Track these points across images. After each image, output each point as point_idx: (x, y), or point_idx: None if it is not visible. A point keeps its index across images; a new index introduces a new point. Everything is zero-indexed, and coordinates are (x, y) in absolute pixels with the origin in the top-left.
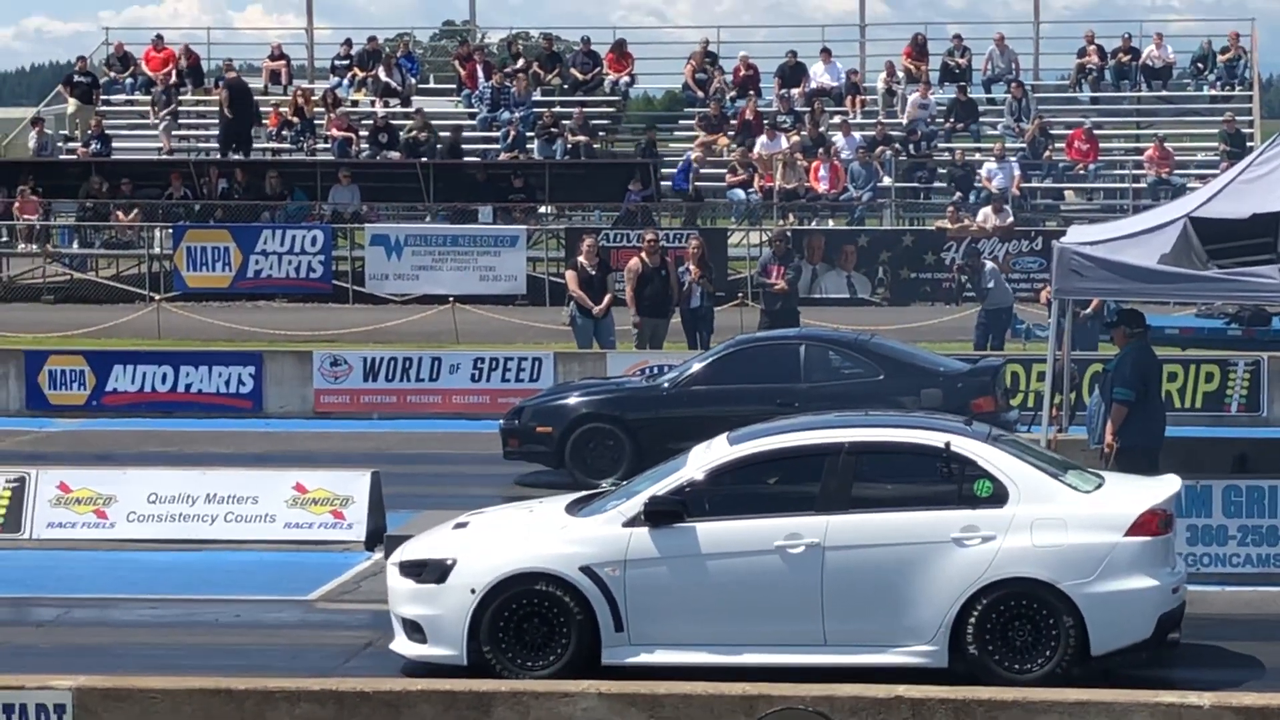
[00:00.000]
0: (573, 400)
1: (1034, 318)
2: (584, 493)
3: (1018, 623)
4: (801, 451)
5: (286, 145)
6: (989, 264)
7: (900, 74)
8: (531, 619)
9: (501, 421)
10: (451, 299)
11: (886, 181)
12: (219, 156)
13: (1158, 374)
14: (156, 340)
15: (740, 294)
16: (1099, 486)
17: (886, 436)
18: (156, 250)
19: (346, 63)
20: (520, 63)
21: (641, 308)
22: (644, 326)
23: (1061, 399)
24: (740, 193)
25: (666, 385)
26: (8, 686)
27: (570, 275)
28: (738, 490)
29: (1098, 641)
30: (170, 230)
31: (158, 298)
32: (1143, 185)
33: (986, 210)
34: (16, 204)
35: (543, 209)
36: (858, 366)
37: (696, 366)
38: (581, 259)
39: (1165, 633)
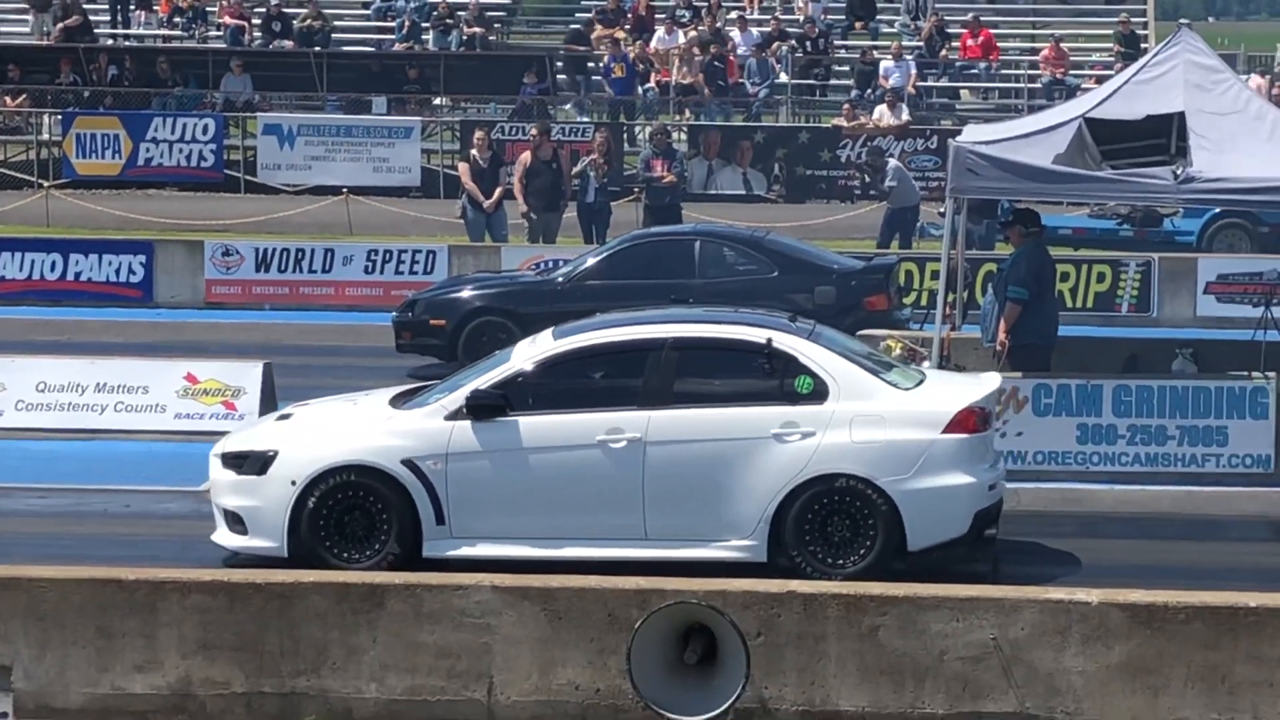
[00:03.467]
0: (466, 293)
1: (928, 217)
2: (409, 386)
3: (836, 518)
4: (625, 346)
5: (178, 32)
6: (893, 162)
7: None
8: (352, 511)
9: (394, 314)
10: (345, 190)
11: (783, 78)
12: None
13: (1051, 274)
14: (45, 228)
15: (635, 189)
16: (919, 384)
17: (708, 332)
18: (45, 137)
19: None
20: None
21: (531, 201)
22: (535, 220)
23: (955, 297)
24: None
25: (561, 279)
26: None
27: (463, 168)
28: (561, 385)
29: (915, 537)
30: (59, 117)
31: (47, 185)
32: (1038, 85)
33: (882, 108)
34: None
35: (437, 101)
36: (752, 263)
37: (591, 261)
38: (474, 152)
39: (982, 529)
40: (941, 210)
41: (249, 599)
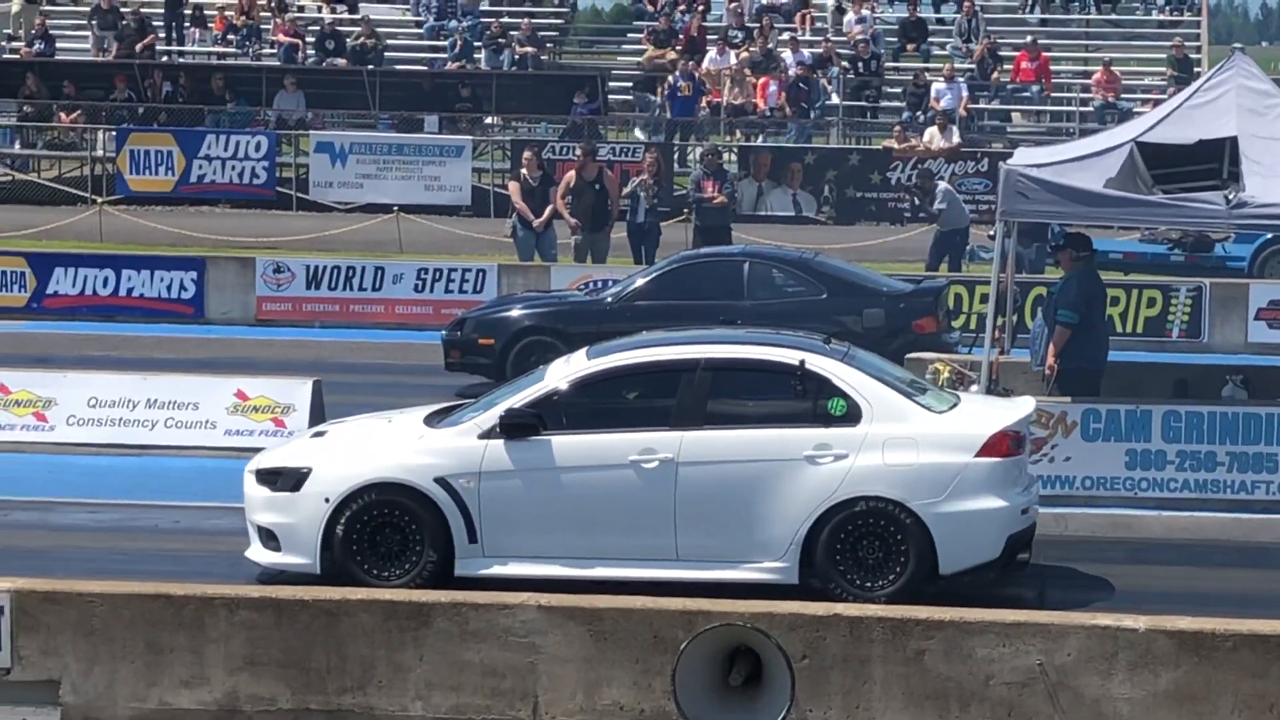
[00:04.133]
0: (515, 313)
1: (978, 239)
2: (444, 404)
3: (868, 540)
4: (658, 367)
5: (232, 50)
6: (942, 185)
7: None
8: (385, 529)
9: (444, 332)
10: (396, 208)
11: (834, 99)
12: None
13: (1102, 298)
14: (98, 243)
15: (685, 210)
16: (953, 407)
17: (742, 354)
18: (99, 153)
19: None
20: None
21: (576, 220)
22: (580, 239)
23: (1004, 321)
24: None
25: (609, 300)
26: None
27: (513, 187)
28: (594, 404)
29: (946, 561)
30: (113, 133)
31: (100, 200)
32: (1090, 109)
33: (933, 130)
34: None
35: (489, 120)
36: (801, 285)
37: (640, 281)
38: (524, 171)
39: (1014, 553)
40: (991, 233)
41: (296, 615)
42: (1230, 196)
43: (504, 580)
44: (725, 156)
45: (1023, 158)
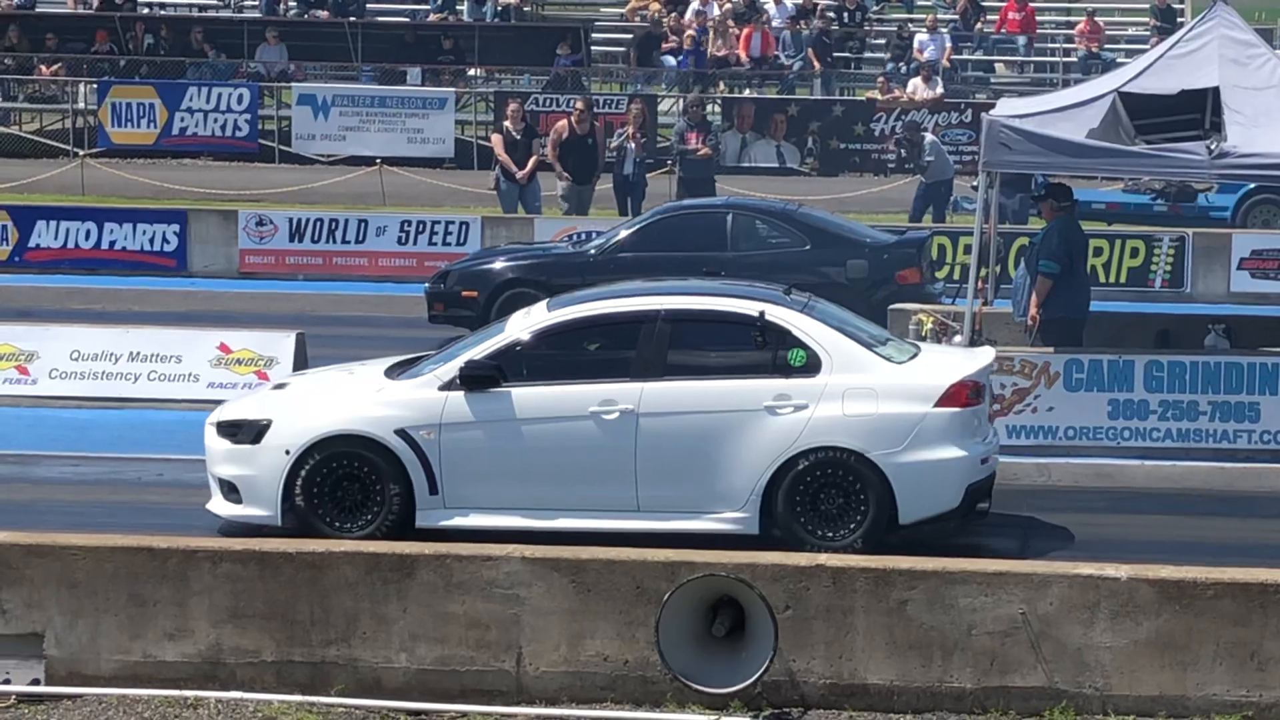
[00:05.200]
0: (499, 265)
1: (961, 190)
2: (405, 356)
3: (827, 491)
4: (618, 318)
5: (214, 2)
6: (929, 136)
7: None
8: (346, 481)
9: (427, 285)
10: (379, 161)
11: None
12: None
13: (1083, 248)
14: (80, 196)
15: (669, 161)
16: (913, 357)
17: (702, 305)
18: (81, 105)
19: None
20: None
21: (566, 173)
22: (568, 192)
23: (987, 271)
24: (671, 59)
25: (593, 252)
26: None
27: (496, 139)
28: (554, 356)
29: (906, 510)
30: (95, 86)
31: (82, 153)
32: (1073, 59)
33: (916, 81)
34: None
35: (471, 72)
36: (784, 236)
37: (623, 233)
38: (507, 123)
39: (974, 502)
40: (975, 184)
41: (280, 568)
42: (1212, 147)
43: (465, 531)
44: (709, 108)
45: (1006, 108)
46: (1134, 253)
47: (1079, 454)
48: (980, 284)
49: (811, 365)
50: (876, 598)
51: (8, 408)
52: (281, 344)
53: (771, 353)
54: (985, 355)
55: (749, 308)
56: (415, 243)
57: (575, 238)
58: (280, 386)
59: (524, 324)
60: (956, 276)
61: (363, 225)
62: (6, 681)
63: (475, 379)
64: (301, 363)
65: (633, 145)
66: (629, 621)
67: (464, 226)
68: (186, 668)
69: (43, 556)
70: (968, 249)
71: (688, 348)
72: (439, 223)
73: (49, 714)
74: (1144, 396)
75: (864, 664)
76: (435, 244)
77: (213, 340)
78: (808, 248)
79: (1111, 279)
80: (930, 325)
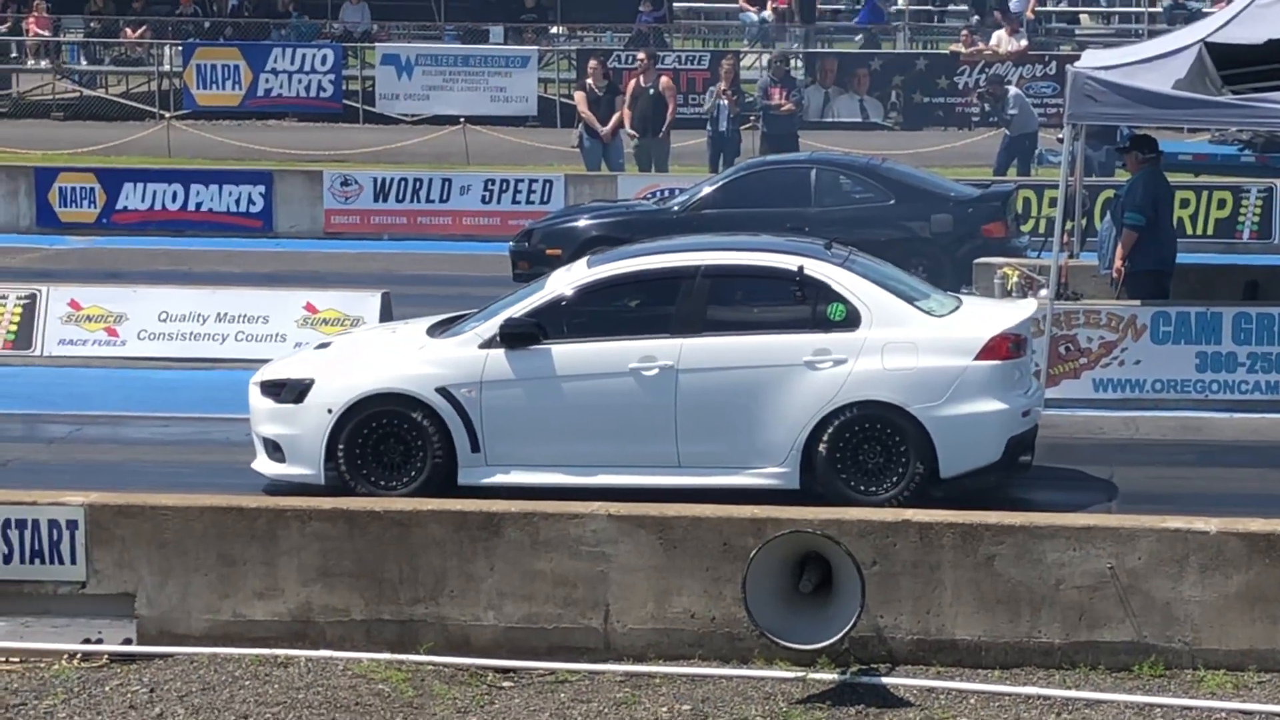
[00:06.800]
0: (582, 223)
1: (1046, 143)
2: (448, 315)
3: (868, 445)
4: (657, 275)
5: None
6: (1013, 89)
7: None
8: (388, 439)
9: (511, 243)
10: (462, 120)
11: (900, 4)
12: None
13: (1169, 200)
14: (167, 158)
15: (751, 117)
16: (954, 311)
17: (741, 260)
18: (166, 68)
19: None
20: None
21: (632, 126)
22: (639, 145)
23: (1073, 225)
24: (752, 14)
25: (676, 209)
26: (20, 502)
27: (579, 97)
28: (594, 313)
29: (947, 464)
30: (180, 48)
31: (168, 115)
32: (1159, 10)
33: (1000, 34)
34: (29, 19)
35: (554, 29)
36: (869, 191)
37: (707, 190)
38: (589, 81)
39: (1016, 455)
40: (1060, 137)
41: (368, 527)
42: None
43: (507, 488)
44: (792, 63)
45: (1091, 60)
46: (1221, 204)
47: (1166, 407)
48: (1066, 237)
49: (851, 320)
50: (964, 552)
51: (97, 369)
52: (367, 303)
53: (811, 307)
54: (1027, 307)
55: (788, 262)
56: (499, 201)
57: (659, 194)
58: (323, 346)
59: (564, 281)
60: (1042, 230)
61: (447, 184)
62: (99, 641)
63: (515, 336)
64: (387, 321)
65: (725, 102)
66: (715, 578)
67: (548, 185)
68: (276, 626)
69: (132, 517)
70: (1053, 202)
71: (727, 303)
72: (522, 181)
73: (141, 673)
74: (1232, 349)
75: (951, 619)
76: (519, 202)
77: (299, 300)
78: (892, 203)
79: (1198, 231)
80: (1016, 279)
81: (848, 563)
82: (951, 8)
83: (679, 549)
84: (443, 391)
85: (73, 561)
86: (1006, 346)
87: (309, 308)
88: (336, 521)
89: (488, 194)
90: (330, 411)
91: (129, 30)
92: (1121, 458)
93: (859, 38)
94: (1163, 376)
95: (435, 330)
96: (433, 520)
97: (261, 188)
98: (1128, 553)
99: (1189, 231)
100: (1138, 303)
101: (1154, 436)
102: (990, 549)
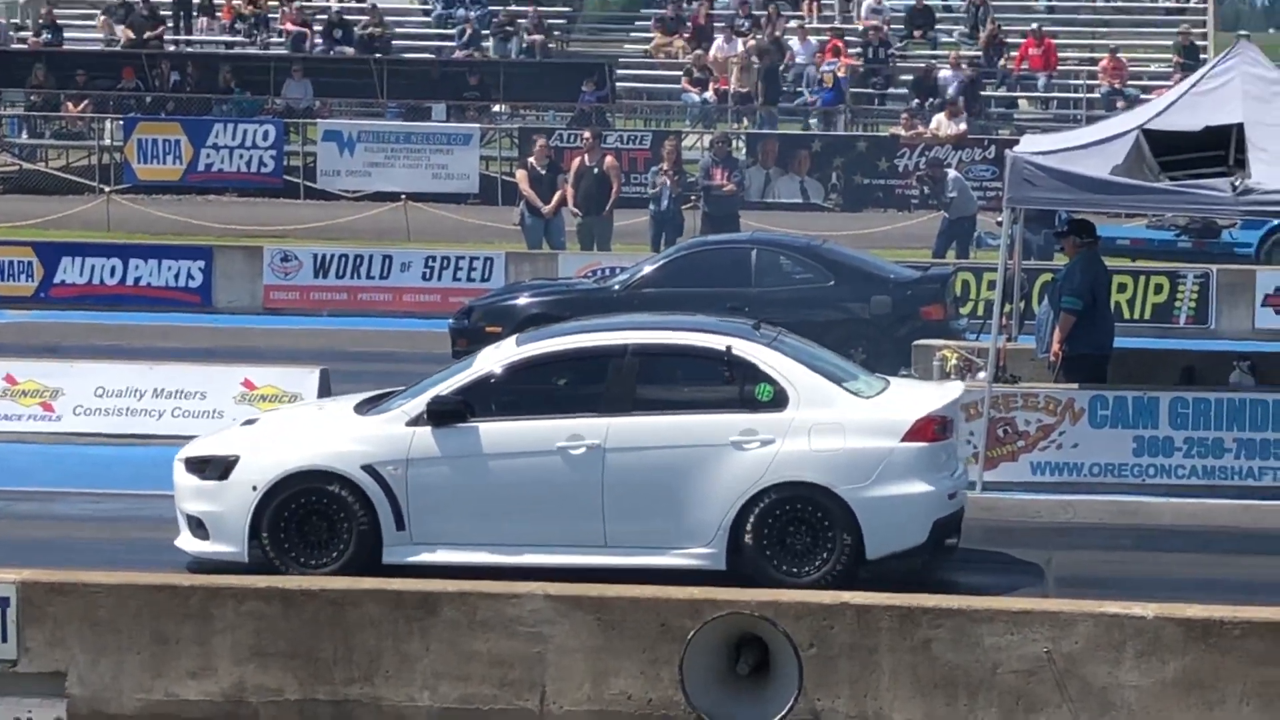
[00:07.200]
0: (523, 300)
1: (985, 226)
2: (375, 392)
3: (795, 526)
4: (585, 353)
5: (240, 39)
6: (952, 172)
7: None
8: (313, 517)
9: (451, 320)
10: (404, 196)
11: (827, 85)
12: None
13: (1106, 284)
14: (106, 232)
15: (692, 197)
16: (881, 392)
17: (669, 339)
18: (107, 142)
19: None
20: None
21: (575, 205)
22: (581, 224)
23: (1011, 308)
24: (694, 96)
25: (617, 287)
26: None
27: (521, 175)
28: (523, 391)
29: (873, 545)
30: (121, 122)
31: (108, 190)
32: (1097, 96)
33: (940, 117)
34: None
35: (497, 108)
36: (809, 271)
37: (647, 269)
38: (532, 159)
39: (942, 538)
40: (999, 220)
41: (303, 606)
42: (1237, 183)
43: (432, 567)
44: (734, 144)
45: (1029, 145)
46: (1158, 289)
47: (1104, 491)
48: (1004, 320)
49: (778, 400)
50: (901, 635)
51: (32, 444)
52: (306, 380)
53: (738, 387)
54: (954, 390)
55: (716, 342)
56: (440, 278)
57: (599, 273)
58: (250, 422)
59: (493, 359)
60: (980, 312)
61: (387, 261)
62: None
63: (442, 414)
64: (326, 398)
65: (668, 182)
66: (653, 660)
67: (488, 262)
68: (209, 706)
69: (66, 594)
70: (991, 285)
71: (655, 382)
72: (463, 258)
73: None
74: (1169, 433)
75: (889, 703)
76: (460, 279)
77: (237, 376)
78: (832, 283)
79: (1136, 315)
80: (954, 361)
81: (785, 645)
82: (892, 91)
83: (616, 630)
84: (368, 469)
85: (3, 639)
86: (933, 429)
87: (247, 384)
88: (271, 600)
89: (428, 271)
90: (255, 489)
91: (70, 104)
92: (1059, 541)
93: (814, 120)
94: (1100, 460)
95: (362, 407)
96: (369, 599)
97: (201, 263)
98: (1065, 637)
99: (1126, 316)
100: (1075, 386)
101: (1091, 520)
102: (928, 632)
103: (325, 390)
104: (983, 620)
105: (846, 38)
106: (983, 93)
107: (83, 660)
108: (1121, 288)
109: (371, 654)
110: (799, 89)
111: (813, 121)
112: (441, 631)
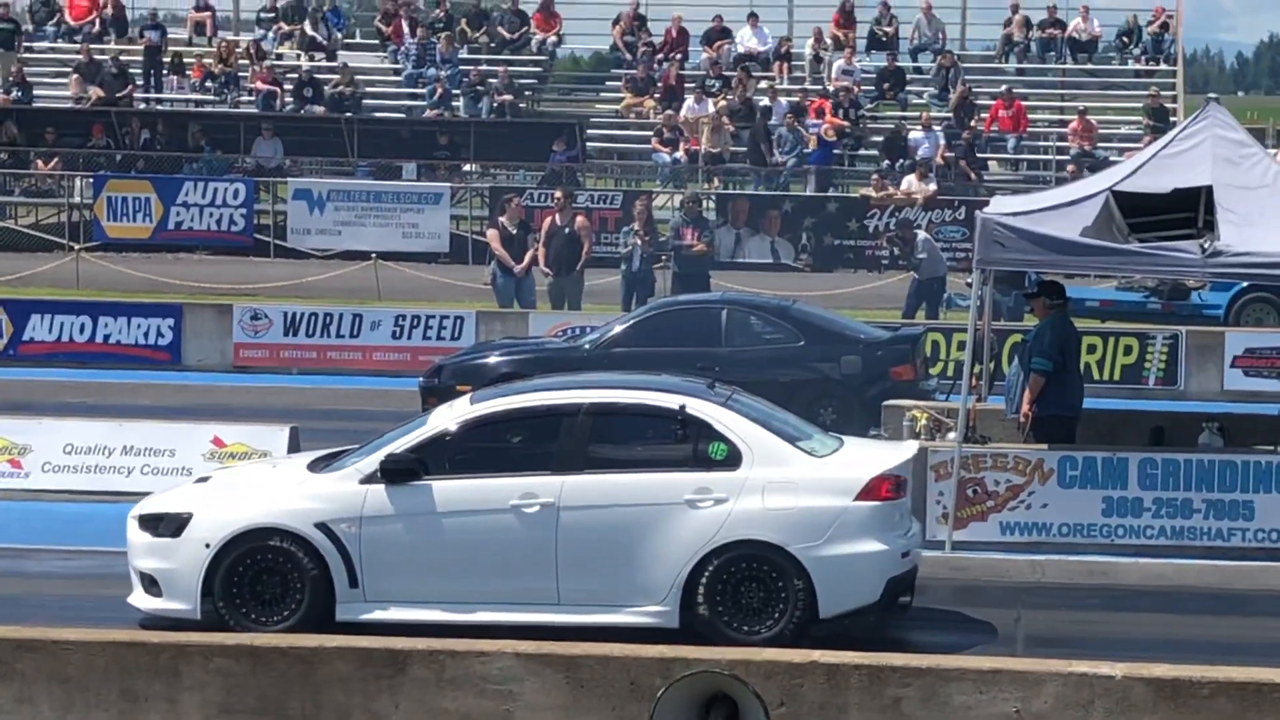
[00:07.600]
0: (493, 359)
1: (955, 287)
2: (329, 450)
3: (748, 584)
4: (540, 412)
5: (210, 97)
6: (921, 233)
7: (828, 40)
8: (266, 574)
9: (421, 379)
10: (374, 255)
11: (812, 147)
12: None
13: (1076, 345)
14: (75, 290)
15: (662, 256)
16: (835, 450)
17: (623, 398)
18: (77, 199)
19: (272, 15)
20: (446, 20)
21: (547, 264)
22: (552, 283)
23: (981, 369)
24: (665, 155)
25: (587, 347)
26: None
27: (492, 234)
28: (476, 449)
29: (826, 604)
30: (91, 180)
31: (77, 247)
32: (1066, 157)
33: (911, 178)
34: None
35: (467, 167)
36: (779, 332)
37: (618, 329)
38: (503, 219)
39: (895, 596)
40: (968, 281)
41: (272, 663)
42: (1206, 245)
43: (385, 625)
44: (704, 204)
45: (999, 206)
46: (1127, 350)
47: (1073, 551)
48: (974, 381)
49: (732, 459)
50: (870, 694)
51: (1, 501)
52: (275, 438)
53: (692, 446)
54: (908, 449)
55: (670, 401)
56: (410, 337)
57: (570, 332)
58: (203, 480)
59: (447, 417)
60: (950, 373)
61: (357, 319)
62: None
63: (396, 472)
64: None
65: (639, 242)
66: (622, 718)
67: (459, 321)
68: None
69: (34, 651)
70: (961, 346)
71: (609, 441)
72: (433, 317)
73: None
74: (1138, 494)
75: None
76: (430, 338)
77: (206, 434)
78: (802, 344)
79: (1105, 376)
80: (924, 422)
81: (755, 704)
82: (863, 152)
83: (585, 688)
84: (322, 527)
85: None
86: (886, 487)
87: (216, 441)
88: (240, 658)
89: (398, 329)
90: (208, 546)
91: (40, 162)
92: (1028, 601)
93: (795, 180)
94: (1069, 520)
95: (316, 465)
96: (338, 657)
97: (171, 320)
98: (1033, 696)
99: (1096, 377)
100: (1045, 447)
101: (1060, 580)
102: (897, 690)
103: (295, 448)
104: (952, 679)
105: (816, 99)
106: (953, 154)
107: (51, 718)
108: (1091, 349)
109: (340, 711)
110: (775, 150)
111: (794, 181)
112: (410, 689)
